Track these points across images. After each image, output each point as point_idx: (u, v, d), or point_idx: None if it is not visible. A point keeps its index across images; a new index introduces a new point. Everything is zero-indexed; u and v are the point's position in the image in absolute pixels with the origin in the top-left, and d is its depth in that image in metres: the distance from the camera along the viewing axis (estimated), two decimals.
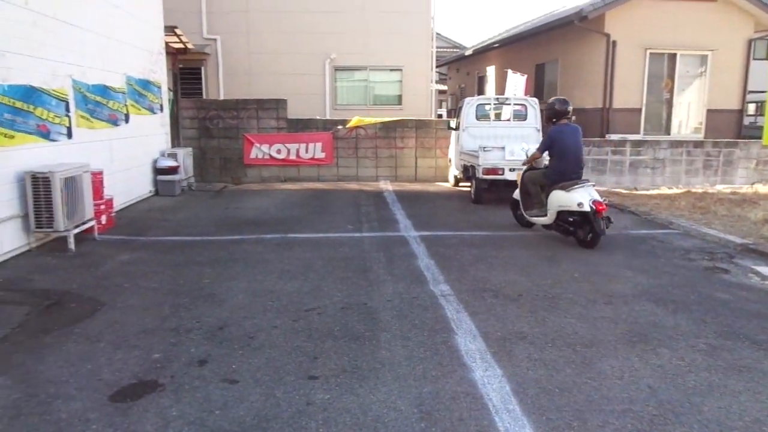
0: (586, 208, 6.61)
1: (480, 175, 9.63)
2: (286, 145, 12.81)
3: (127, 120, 9.10)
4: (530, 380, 3.49)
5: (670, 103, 14.21)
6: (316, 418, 3.05)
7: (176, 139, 12.19)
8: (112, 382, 3.45)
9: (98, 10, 8.19)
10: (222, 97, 14.53)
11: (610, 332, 4.25)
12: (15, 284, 5.28)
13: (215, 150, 12.74)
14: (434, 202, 10.30)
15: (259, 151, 12.75)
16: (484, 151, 9.58)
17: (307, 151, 12.86)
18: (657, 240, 7.35)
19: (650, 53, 13.70)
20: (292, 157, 12.83)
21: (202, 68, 14.96)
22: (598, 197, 6.72)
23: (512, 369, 3.63)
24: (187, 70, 14.21)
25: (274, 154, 12.79)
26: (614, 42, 13.41)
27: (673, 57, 13.88)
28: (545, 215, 7.24)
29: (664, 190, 11.97)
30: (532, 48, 17.20)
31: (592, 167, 12.40)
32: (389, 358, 3.79)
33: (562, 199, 6.91)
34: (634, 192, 11.76)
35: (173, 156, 10.80)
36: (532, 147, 8.39)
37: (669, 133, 14.18)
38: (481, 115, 11.29)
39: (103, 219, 7.34)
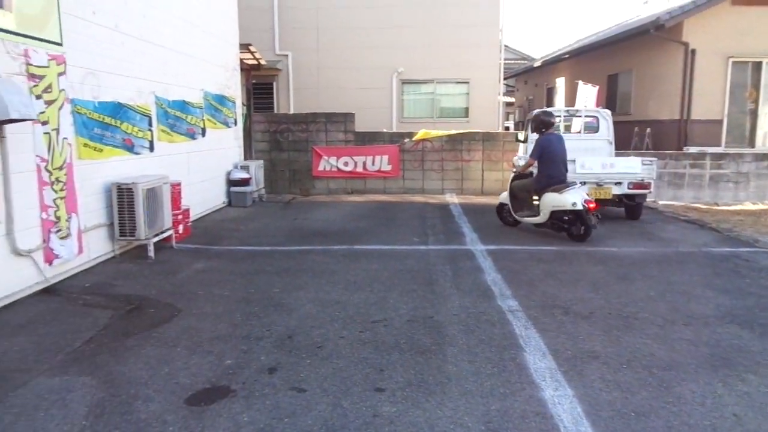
0: (579, 207, 7.50)
1: None
2: (353, 157, 12.99)
3: (203, 134, 9.51)
4: (604, 402, 3.36)
5: (754, 114, 13.43)
6: (382, 431, 3.06)
7: (248, 152, 12.62)
8: (188, 386, 3.59)
9: (179, 29, 8.63)
10: (292, 111, 14.95)
11: (691, 355, 4.04)
12: (100, 289, 5.59)
13: (285, 162, 13.08)
14: None
15: (326, 163, 13.00)
16: None
17: (373, 164, 13.00)
18: (741, 258, 6.94)
19: (732, 62, 13.02)
20: (359, 169, 13.00)
21: (274, 83, 15.46)
22: (588, 197, 7.71)
23: (584, 389, 3.51)
24: (259, 85, 14.72)
25: (342, 167, 13.01)
26: (693, 51, 12.84)
27: (757, 65, 13.13)
28: (536, 215, 8.12)
29: (748, 206, 11.30)
30: (604, 58, 16.74)
31: (668, 181, 11.88)
32: (456, 373, 3.75)
33: (556, 201, 7.74)
34: (715, 207, 11.16)
35: (245, 168, 11.18)
36: (516, 161, 9.51)
37: (753, 146, 13.39)
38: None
39: (181, 228, 7.68)
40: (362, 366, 3.86)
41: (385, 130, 13.78)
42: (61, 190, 5.60)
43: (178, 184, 7.75)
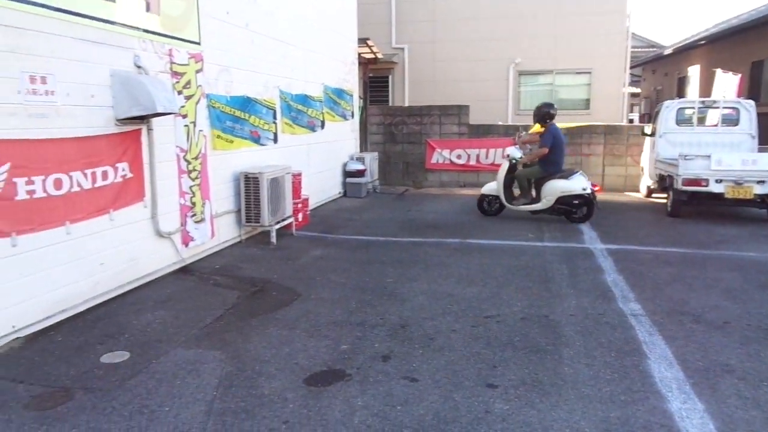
0: (588, 191, 8.34)
1: (679, 186, 8.76)
2: (467, 150, 12.88)
3: (322, 126, 9.87)
4: (740, 420, 3.09)
5: None
6: (495, 428, 3.03)
7: (364, 144, 12.92)
8: (306, 367, 3.77)
9: (302, 26, 9.00)
10: (407, 104, 15.09)
11: None
12: (229, 270, 6.01)
13: (399, 154, 13.25)
14: (624, 213, 9.62)
15: (440, 156, 13.00)
16: (685, 159, 8.71)
17: (487, 157, 12.81)
18: None
19: None
20: (472, 162, 12.87)
21: (390, 76, 15.68)
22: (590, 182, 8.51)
23: (717, 405, 3.25)
24: (375, 78, 15.00)
25: (455, 159, 12.95)
26: None
27: None
28: (537, 202, 8.63)
29: None
30: (748, 43, 15.23)
31: None
32: (572, 376, 3.63)
33: (566, 186, 8.36)
34: None
35: (361, 160, 11.47)
36: (514, 152, 8.93)
37: None
38: (682, 120, 10.28)
39: (300, 216, 8.04)
40: (474, 361, 3.85)
41: (500, 123, 13.53)
42: (197, 178, 6.08)
43: (299, 174, 8.11)
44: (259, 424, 3.08)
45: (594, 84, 14.88)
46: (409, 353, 3.97)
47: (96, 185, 4.68)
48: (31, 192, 4.06)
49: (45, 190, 4.18)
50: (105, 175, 4.78)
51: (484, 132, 12.89)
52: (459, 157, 12.93)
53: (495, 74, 15.19)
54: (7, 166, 3.85)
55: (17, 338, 4.05)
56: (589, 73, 14.87)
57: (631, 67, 20.24)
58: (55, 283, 4.36)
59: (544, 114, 8.85)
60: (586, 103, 15.05)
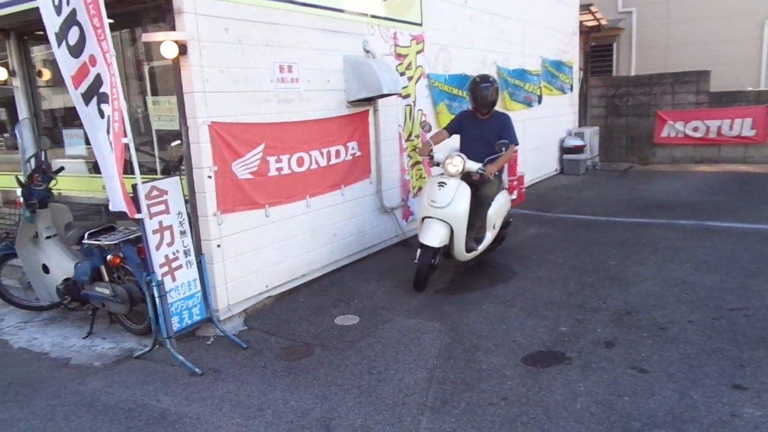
0: None
1: None
2: (705, 122, 11.37)
3: (539, 101, 9.53)
4: None
5: None
6: None
7: (583, 118, 12.19)
8: (524, 346, 3.73)
9: None
10: (633, 73, 13.80)
11: None
12: None
13: (622, 128, 12.24)
14: None
15: (672, 129, 11.69)
16: None
17: (731, 128, 11.17)
18: None
19: None
20: (712, 135, 11.33)
21: (614, 44, 14.47)
22: None
23: None
24: (597, 47, 13.97)
25: (690, 132, 11.53)
26: None
27: None
28: (482, 237, 5.18)
29: None
30: None
31: None
32: None
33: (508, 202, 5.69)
34: None
35: (580, 135, 10.85)
36: (471, 164, 4.89)
37: None
38: None
39: (515, 194, 7.91)
40: (716, 357, 3.44)
41: (749, 89, 11.68)
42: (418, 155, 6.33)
43: (515, 152, 7.95)
44: (478, 397, 3.14)
45: None
46: (637, 342, 3.69)
47: (331, 163, 5.15)
48: (279, 169, 4.62)
49: (290, 168, 4.73)
50: (338, 153, 5.23)
51: (728, 100, 11.25)
52: (696, 129, 11.48)
53: (742, 33, 13.07)
54: (262, 146, 4.43)
55: (269, 297, 4.68)
56: None
57: None
58: (298, 250, 4.93)
59: (489, 96, 5.15)
60: None
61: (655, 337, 3.75)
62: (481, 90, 5.10)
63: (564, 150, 10.74)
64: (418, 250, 4.72)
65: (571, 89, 11.12)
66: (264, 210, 4.53)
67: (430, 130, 5.09)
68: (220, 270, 4.19)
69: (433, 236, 4.64)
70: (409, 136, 6.23)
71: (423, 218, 4.80)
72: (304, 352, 3.81)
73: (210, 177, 4.06)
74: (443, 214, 4.67)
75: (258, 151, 4.41)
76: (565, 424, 2.84)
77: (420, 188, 6.44)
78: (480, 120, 5.21)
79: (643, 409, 2.94)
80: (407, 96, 6.12)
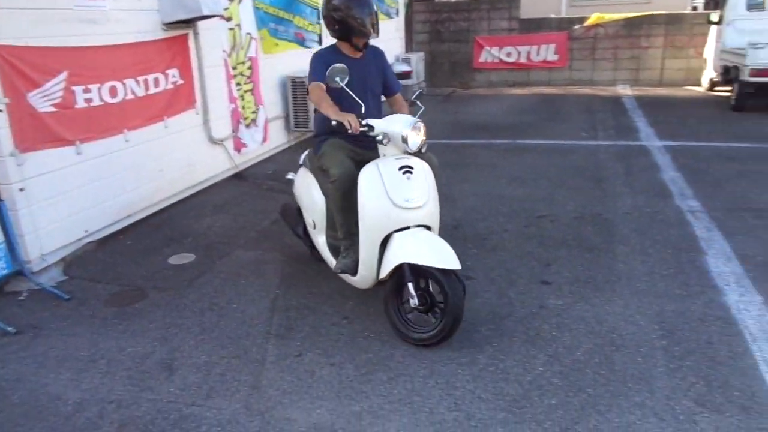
0: None
1: (745, 77, 8.21)
2: (517, 47, 12.29)
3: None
4: None
5: None
6: (549, 322, 3.10)
7: (409, 44, 12.48)
8: None
9: None
10: None
11: None
12: (281, 176, 6.03)
13: (445, 54, 12.78)
14: (683, 109, 9.15)
15: (488, 54, 12.47)
16: (754, 48, 8.08)
17: (538, 54, 12.22)
18: None
19: None
20: (522, 60, 12.32)
21: None
22: None
23: None
24: None
25: (504, 57, 12.41)
26: None
27: None
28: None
29: None
30: None
31: None
32: (627, 272, 3.63)
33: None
34: None
35: (407, 61, 11.11)
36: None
37: None
38: (754, 5, 9.45)
39: None
40: (527, 259, 3.89)
41: (552, 16, 12.76)
42: (247, 83, 6.05)
43: None
44: (322, 319, 3.24)
45: None
46: (463, 252, 4.00)
47: (150, 92, 4.73)
48: (88, 100, 4.15)
49: (101, 98, 4.26)
50: (157, 82, 4.82)
51: (536, 27, 12.21)
52: (509, 54, 12.38)
53: None
54: (64, 75, 3.92)
55: (90, 242, 4.30)
56: None
57: None
58: (119, 189, 4.55)
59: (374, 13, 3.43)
60: None
61: (478, 247, 4.12)
62: (361, 6, 3.20)
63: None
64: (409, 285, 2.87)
65: (397, 14, 11.26)
66: (75, 147, 4.07)
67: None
68: (26, 217, 3.73)
69: (438, 250, 2.86)
70: (239, 64, 5.92)
71: (392, 232, 2.94)
72: (137, 296, 3.60)
73: (1, 110, 3.52)
74: (425, 216, 2.98)
75: (60, 80, 3.89)
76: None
77: (253, 120, 6.21)
78: (353, 60, 3.31)
79: (469, 311, 3.24)
80: (230, 18, 5.75)
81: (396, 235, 2.91)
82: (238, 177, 6.03)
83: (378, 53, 3.54)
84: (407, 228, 2.92)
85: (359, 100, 3.01)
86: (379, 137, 2.98)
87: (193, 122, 5.38)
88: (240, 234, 4.54)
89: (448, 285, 2.77)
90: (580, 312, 3.19)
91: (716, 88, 10.42)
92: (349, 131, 2.93)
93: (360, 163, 3.12)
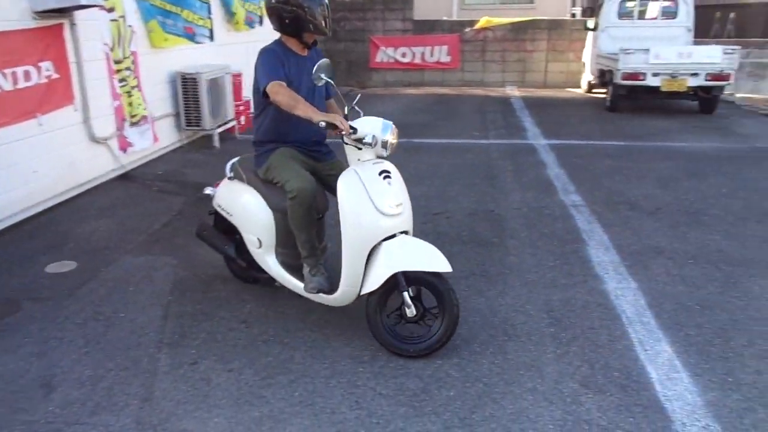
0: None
1: (618, 80, 8.92)
2: (412, 48, 12.57)
3: (261, 22, 9.32)
4: (668, 295, 3.37)
5: None
6: None
7: None
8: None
9: None
10: None
11: (763, 252, 3.95)
12: (172, 176, 5.84)
13: (341, 53, 12.79)
14: (565, 110, 9.78)
15: (384, 54, 12.65)
16: (625, 53, 8.80)
17: (432, 55, 12.57)
18: None
19: None
20: (417, 60, 12.62)
21: None
22: None
23: (648, 283, 3.52)
24: None
25: (399, 58, 12.64)
26: None
27: None
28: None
29: None
30: None
31: (749, 72, 10.98)
32: (517, 265, 3.82)
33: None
34: None
35: None
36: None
37: None
38: (624, 14, 10.29)
39: (242, 119, 7.78)
40: None
41: (445, 18, 13.17)
42: (133, 78, 5.71)
43: (239, 75, 7.75)
44: (218, 324, 3.13)
45: None
46: None
47: (19, 86, 4.33)
48: None
49: None
50: (27, 75, 4.42)
51: (429, 28, 12.55)
52: (404, 55, 12.62)
53: None
54: None
55: None
56: None
57: None
58: None
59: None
60: None
61: None
62: (319, 2, 2.97)
63: None
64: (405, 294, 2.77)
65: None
66: None
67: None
68: None
69: (430, 254, 2.81)
70: (123, 58, 5.56)
71: (382, 240, 2.77)
72: (9, 310, 3.28)
73: None
74: (405, 221, 2.90)
75: None
76: (303, 335, 3.02)
77: (143, 116, 5.87)
78: (301, 58, 3.14)
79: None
80: (112, 9, 5.39)
81: (385, 244, 2.75)
82: (126, 178, 5.69)
83: (319, 52, 3.28)
84: (393, 236, 2.78)
85: (343, 100, 2.80)
86: (367, 139, 2.79)
87: (71, 120, 5.00)
88: (127, 238, 4.28)
89: (443, 287, 2.74)
90: (475, 304, 3.31)
91: (594, 90, 11.24)
92: (342, 133, 2.75)
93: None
